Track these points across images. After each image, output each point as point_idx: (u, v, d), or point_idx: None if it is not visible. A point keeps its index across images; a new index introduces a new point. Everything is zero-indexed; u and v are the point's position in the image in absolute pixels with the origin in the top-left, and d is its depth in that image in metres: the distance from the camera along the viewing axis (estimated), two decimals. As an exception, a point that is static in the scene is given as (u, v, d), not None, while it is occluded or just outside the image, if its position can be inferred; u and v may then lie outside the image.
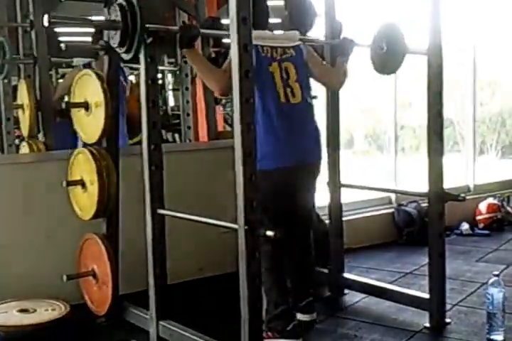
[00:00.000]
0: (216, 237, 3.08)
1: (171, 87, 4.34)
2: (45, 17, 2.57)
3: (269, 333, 2.90)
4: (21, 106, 3.60)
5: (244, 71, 2.28)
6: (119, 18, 2.68)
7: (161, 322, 2.89)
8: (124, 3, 2.67)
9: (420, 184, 3.31)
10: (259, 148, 2.38)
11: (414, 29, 4.22)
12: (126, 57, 2.77)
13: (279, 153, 2.85)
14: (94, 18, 3.04)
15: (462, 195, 3.13)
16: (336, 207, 3.57)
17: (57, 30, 3.78)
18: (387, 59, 3.30)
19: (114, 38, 2.75)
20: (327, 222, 3.69)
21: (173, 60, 4.18)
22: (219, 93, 2.84)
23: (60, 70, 4.14)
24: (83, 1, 3.69)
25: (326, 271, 3.63)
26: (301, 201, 3.06)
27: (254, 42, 2.49)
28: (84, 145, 3.14)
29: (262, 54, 2.87)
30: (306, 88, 2.99)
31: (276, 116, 2.86)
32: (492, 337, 2.89)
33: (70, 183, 3.09)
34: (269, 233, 2.31)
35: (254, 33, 2.41)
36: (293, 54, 2.97)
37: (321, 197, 3.51)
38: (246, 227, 2.31)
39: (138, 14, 2.65)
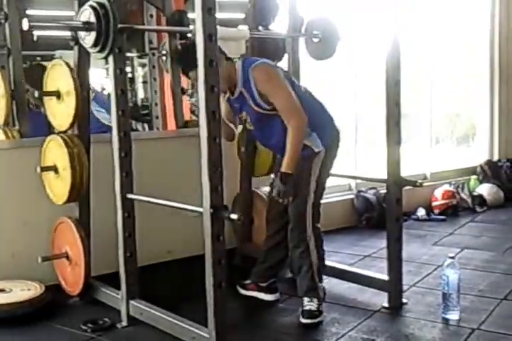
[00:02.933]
0: (183, 221, 3.17)
1: (140, 79, 4.41)
2: (25, 21, 2.62)
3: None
4: (-4, 96, 3.62)
5: (209, 60, 2.35)
6: (93, 20, 2.74)
7: (131, 302, 2.96)
8: (97, 5, 2.73)
9: (379, 172, 3.38)
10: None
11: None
12: (98, 56, 2.85)
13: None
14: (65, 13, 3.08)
15: (419, 181, 3.18)
16: (298, 193, 3.67)
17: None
18: (322, 47, 3.57)
19: (86, 39, 2.81)
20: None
21: (142, 54, 4.25)
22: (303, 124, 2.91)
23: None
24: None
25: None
26: None
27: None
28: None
29: None
30: None
31: None
32: (447, 316, 2.99)
33: (43, 169, 3.15)
34: (233, 216, 2.39)
35: None
36: None
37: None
38: (211, 210, 2.40)
39: (111, 16, 2.71)
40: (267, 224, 3.38)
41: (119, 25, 2.75)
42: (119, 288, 3.03)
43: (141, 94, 4.39)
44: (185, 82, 4.18)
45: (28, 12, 3.67)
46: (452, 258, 3.01)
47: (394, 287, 3.20)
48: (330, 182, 4.90)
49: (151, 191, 2.95)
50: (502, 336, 2.84)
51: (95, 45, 2.79)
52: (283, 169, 2.88)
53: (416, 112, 5.79)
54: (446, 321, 3.00)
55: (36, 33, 2.98)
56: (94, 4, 2.75)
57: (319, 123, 3.03)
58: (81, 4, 2.94)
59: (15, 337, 2.92)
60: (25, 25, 2.62)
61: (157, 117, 4.16)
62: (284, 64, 3.70)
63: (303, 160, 2.95)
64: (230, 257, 3.31)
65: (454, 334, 2.89)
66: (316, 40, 3.58)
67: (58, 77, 3.09)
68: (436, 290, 3.31)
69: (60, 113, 3.12)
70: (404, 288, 3.30)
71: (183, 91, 4.20)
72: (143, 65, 4.35)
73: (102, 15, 2.72)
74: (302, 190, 3.02)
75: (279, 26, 3.75)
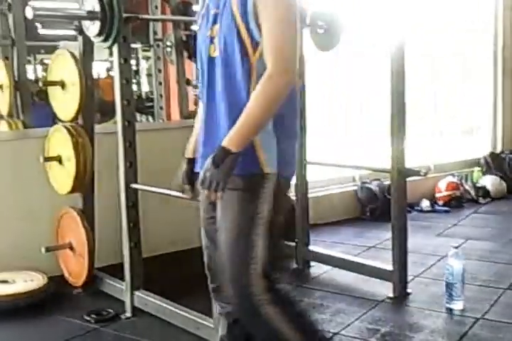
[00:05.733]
0: (187, 212, 3.17)
1: (145, 72, 4.42)
2: (29, 9, 2.61)
3: None
4: (0, 87, 3.62)
5: None
6: (97, 9, 2.72)
7: (135, 292, 2.97)
8: None
9: (383, 163, 3.38)
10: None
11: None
12: (103, 45, 2.82)
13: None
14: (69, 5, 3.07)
15: (423, 170, 3.16)
16: (301, 184, 3.65)
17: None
18: (326, 37, 3.53)
19: (90, 28, 2.79)
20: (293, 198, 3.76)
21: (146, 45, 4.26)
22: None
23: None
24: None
25: (292, 244, 3.72)
26: None
27: None
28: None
29: None
30: None
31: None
32: (451, 306, 3.00)
33: (47, 159, 3.16)
34: None
35: None
36: None
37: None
38: None
39: (115, 4, 2.70)
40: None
41: (124, 15, 2.74)
42: (123, 279, 3.04)
43: (145, 87, 4.40)
44: (189, 73, 4.18)
45: (32, 3, 3.66)
46: (456, 248, 3.01)
47: (398, 277, 3.20)
48: (333, 173, 4.93)
49: (156, 181, 2.91)
50: (505, 325, 2.85)
51: (100, 34, 2.77)
52: (224, 142, 1.77)
53: (419, 103, 5.78)
54: (450, 311, 3.01)
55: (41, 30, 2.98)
56: (99, -9, 2.74)
57: (290, 132, 1.95)
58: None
59: (18, 328, 2.93)
60: (29, 13, 2.60)
61: (161, 108, 4.18)
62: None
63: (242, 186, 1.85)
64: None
65: (458, 323, 2.89)
66: (320, 31, 3.56)
67: (63, 66, 3.09)
68: (440, 280, 3.29)
69: (65, 103, 3.12)
70: (409, 278, 3.30)
71: (188, 83, 4.20)
72: (147, 58, 4.36)
73: (106, 3, 2.70)
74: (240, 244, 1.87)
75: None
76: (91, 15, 2.75)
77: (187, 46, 4.01)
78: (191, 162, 2.10)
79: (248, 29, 1.81)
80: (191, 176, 2.12)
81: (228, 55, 1.83)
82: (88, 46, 3.13)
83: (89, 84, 3.10)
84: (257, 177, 1.86)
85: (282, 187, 1.93)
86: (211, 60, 1.89)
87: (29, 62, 3.66)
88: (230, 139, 1.77)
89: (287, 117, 1.90)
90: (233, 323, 2.12)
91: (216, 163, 1.76)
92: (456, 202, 5.42)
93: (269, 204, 1.86)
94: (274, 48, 1.79)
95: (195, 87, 4.29)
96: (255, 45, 1.81)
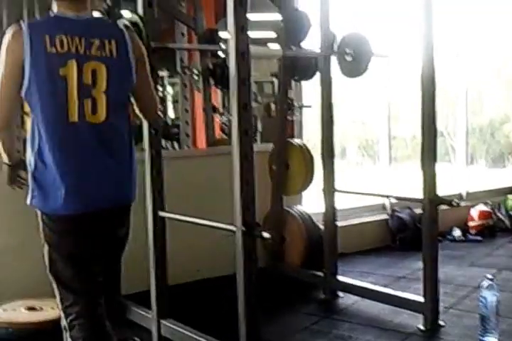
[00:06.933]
0: (213, 240, 3.15)
1: (170, 99, 4.46)
2: None
3: None
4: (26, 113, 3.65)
5: (242, 78, 2.35)
6: None
7: (162, 321, 2.94)
8: (129, 24, 2.73)
9: (413, 191, 3.34)
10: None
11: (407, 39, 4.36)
12: None
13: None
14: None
15: (456, 200, 3.13)
16: (330, 212, 3.63)
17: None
18: (354, 64, 3.50)
19: None
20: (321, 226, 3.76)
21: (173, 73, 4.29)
22: None
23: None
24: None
25: (320, 274, 3.68)
26: None
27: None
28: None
29: (49, 47, 2.04)
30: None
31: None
32: (485, 339, 2.91)
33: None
34: (265, 235, 2.36)
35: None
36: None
37: (316, 203, 3.57)
38: (243, 229, 2.37)
39: (144, 35, 2.71)
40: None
41: (152, 44, 2.75)
42: (149, 307, 3.01)
43: (171, 113, 4.43)
44: (216, 100, 4.19)
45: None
46: (490, 279, 2.95)
47: (430, 309, 3.14)
48: (363, 201, 4.90)
49: (182, 209, 2.93)
50: (541, 361, 2.76)
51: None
52: None
53: (450, 130, 5.73)
54: (484, 345, 2.93)
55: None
56: (127, 23, 2.76)
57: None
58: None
59: (45, 356, 2.91)
60: None
61: (187, 135, 4.18)
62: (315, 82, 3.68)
63: None
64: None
65: (493, 358, 2.82)
66: (348, 58, 3.55)
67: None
68: (473, 312, 3.21)
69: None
70: (441, 310, 3.24)
71: (215, 110, 4.21)
72: (173, 84, 4.39)
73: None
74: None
75: (311, 44, 3.73)
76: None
77: (213, 73, 4.03)
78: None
79: None
80: None
81: None
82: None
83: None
84: None
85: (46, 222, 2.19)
86: None
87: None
88: None
89: None
90: None
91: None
92: (489, 231, 5.34)
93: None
94: None
95: (222, 114, 4.31)
96: None
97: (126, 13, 3.07)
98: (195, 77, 4.19)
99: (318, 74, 3.68)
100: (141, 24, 2.73)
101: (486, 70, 6.11)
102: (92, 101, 2.09)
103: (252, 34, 2.42)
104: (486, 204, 5.57)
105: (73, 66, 2.05)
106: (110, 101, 2.12)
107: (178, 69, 4.22)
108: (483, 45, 5.95)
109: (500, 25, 6.13)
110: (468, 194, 5.70)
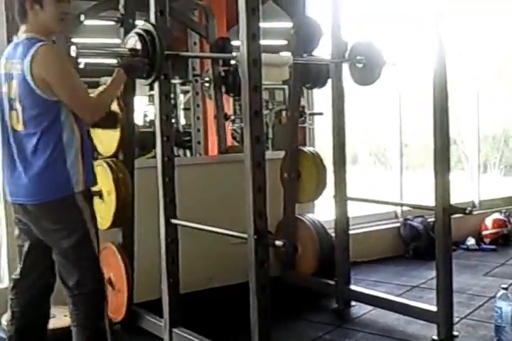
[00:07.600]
0: (225, 248, 3.14)
1: (182, 106, 4.47)
2: (73, 48, 2.65)
3: None
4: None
5: (254, 86, 2.35)
6: (138, 47, 2.73)
7: (174, 330, 2.94)
8: (143, 32, 2.73)
9: (426, 199, 3.33)
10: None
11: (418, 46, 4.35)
12: (145, 82, 2.82)
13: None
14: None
15: (469, 208, 3.10)
16: (342, 220, 3.60)
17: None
18: (366, 72, 3.50)
19: None
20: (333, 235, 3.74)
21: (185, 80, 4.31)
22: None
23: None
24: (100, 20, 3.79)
25: (332, 282, 3.65)
26: None
27: None
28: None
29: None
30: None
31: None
32: None
33: (88, 194, 3.18)
34: (278, 243, 2.35)
35: None
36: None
37: (328, 211, 3.55)
38: (255, 237, 2.36)
39: (157, 42, 2.70)
40: None
41: (165, 52, 2.75)
42: (161, 315, 3.00)
43: (182, 121, 4.44)
44: (227, 108, 4.20)
45: (73, 40, 3.73)
46: (505, 289, 2.92)
47: (444, 319, 3.09)
48: (375, 209, 4.87)
49: (194, 216, 2.92)
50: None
51: (141, 71, 2.79)
52: None
53: (463, 138, 5.70)
54: (500, 355, 2.90)
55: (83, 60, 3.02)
56: (141, 31, 2.76)
57: None
58: (127, 31, 2.97)
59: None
60: (73, 51, 2.65)
61: (199, 143, 4.20)
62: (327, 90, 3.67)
63: None
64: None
65: (509, 369, 2.79)
66: (359, 65, 3.54)
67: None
68: (488, 322, 3.21)
69: (106, 139, 3.15)
70: (455, 320, 3.19)
71: (226, 118, 4.22)
72: (185, 92, 4.40)
73: (148, 41, 2.72)
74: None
75: (322, 51, 3.72)
76: (133, 53, 2.76)
77: (225, 81, 4.04)
78: None
79: None
80: None
81: None
82: (129, 82, 3.15)
83: (129, 120, 3.12)
84: None
85: None
86: None
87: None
88: None
89: None
90: None
91: None
92: (504, 240, 5.29)
93: None
94: None
95: (233, 121, 4.30)
96: None
97: (139, 22, 3.09)
98: (207, 85, 4.20)
99: (330, 82, 3.68)
100: (154, 32, 2.73)
101: (487, 70, 6.05)
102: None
103: (264, 42, 2.42)
104: (500, 212, 5.52)
105: None
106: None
107: (190, 77, 4.23)
108: (484, 45, 5.91)
109: (500, 26, 6.10)
110: (481, 202, 5.65)
